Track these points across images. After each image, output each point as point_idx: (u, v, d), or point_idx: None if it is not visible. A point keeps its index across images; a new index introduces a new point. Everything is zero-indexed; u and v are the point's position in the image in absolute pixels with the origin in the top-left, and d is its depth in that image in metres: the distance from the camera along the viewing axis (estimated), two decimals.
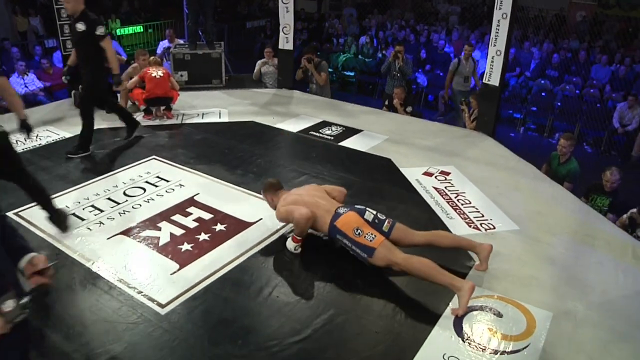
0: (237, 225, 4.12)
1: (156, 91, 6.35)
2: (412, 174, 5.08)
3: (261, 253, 3.79)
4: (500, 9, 5.84)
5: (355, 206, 3.73)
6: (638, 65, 10.58)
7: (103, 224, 4.12)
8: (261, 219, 4.21)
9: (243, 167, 5.17)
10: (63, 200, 4.42)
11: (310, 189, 3.97)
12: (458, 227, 4.16)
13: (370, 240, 3.45)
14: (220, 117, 6.57)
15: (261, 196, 4.50)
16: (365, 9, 15.63)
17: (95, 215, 4.25)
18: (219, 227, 4.10)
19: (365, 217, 3.60)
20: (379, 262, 3.45)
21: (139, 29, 13.17)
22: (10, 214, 4.18)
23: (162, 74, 6.42)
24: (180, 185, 4.77)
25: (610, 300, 3.40)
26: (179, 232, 4.02)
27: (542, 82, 10.22)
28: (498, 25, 5.89)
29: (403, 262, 3.37)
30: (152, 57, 6.57)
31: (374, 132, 6.14)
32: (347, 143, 5.85)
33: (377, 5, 15.91)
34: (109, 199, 4.51)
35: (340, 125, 6.29)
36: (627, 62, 10.41)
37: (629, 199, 5.11)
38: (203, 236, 3.97)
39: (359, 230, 3.52)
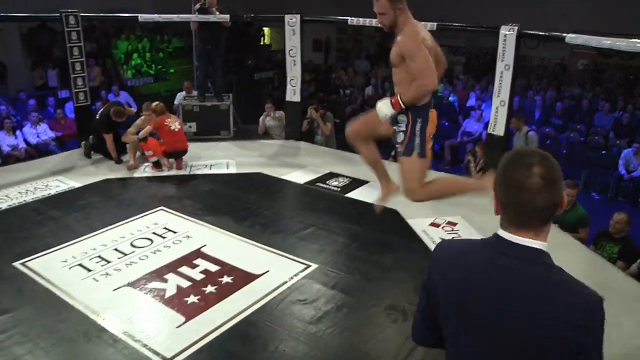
0: (243, 278, 4.10)
1: (178, 145, 6.46)
2: (419, 225, 5.08)
3: (268, 306, 3.76)
4: (503, 60, 5.95)
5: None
6: None
7: (110, 275, 4.12)
8: (268, 271, 4.19)
9: (250, 218, 5.18)
10: (70, 251, 4.44)
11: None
12: None
13: (430, 148, 3.54)
14: (228, 168, 6.63)
15: (268, 248, 4.53)
16: (372, 60, 15.92)
17: (102, 266, 4.25)
18: (226, 279, 4.08)
19: None
20: (412, 166, 3.54)
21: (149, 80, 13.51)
22: (16, 264, 4.19)
23: (179, 127, 6.52)
24: (188, 236, 4.78)
25: (629, 353, 3.33)
26: (185, 284, 4.01)
27: (547, 130, 10.30)
28: (501, 76, 5.99)
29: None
30: (158, 104, 6.56)
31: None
32: (354, 194, 5.87)
33: (383, 57, 16.21)
34: (116, 249, 4.52)
35: (346, 177, 6.32)
36: (630, 109, 10.52)
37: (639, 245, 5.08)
38: (209, 288, 3.95)
39: (432, 135, 3.58)
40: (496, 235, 1.49)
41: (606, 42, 5.04)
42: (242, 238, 4.77)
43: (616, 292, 4.01)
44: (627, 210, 6.66)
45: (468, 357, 1.49)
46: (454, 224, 5.12)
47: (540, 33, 6.14)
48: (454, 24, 7.25)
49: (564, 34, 5.51)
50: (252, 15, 8.53)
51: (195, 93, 8.67)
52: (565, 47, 9.82)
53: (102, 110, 6.84)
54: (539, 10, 11.98)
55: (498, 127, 6.07)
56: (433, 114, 3.62)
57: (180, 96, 8.85)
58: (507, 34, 5.86)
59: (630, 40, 4.76)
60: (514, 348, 1.39)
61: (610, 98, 11.39)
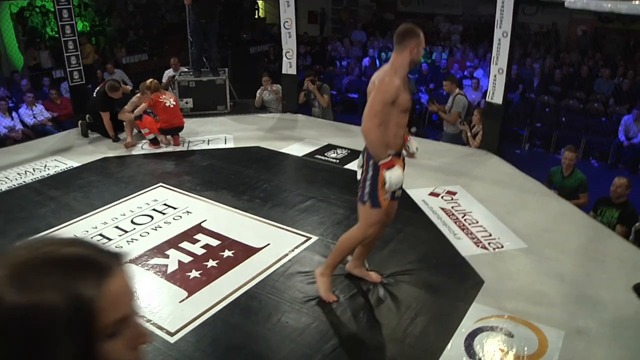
0: (244, 252, 4.12)
1: (174, 121, 6.44)
2: (418, 195, 5.08)
3: (269, 279, 3.78)
4: (500, 27, 5.88)
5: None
6: None
7: None
8: (269, 244, 4.21)
9: (249, 192, 5.19)
10: (71, 230, 4.45)
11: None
12: (466, 247, 4.15)
13: (385, 199, 3.24)
14: (225, 143, 6.62)
15: (268, 221, 4.54)
16: (367, 32, 15.76)
17: (103, 244, 4.25)
18: (227, 253, 4.11)
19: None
20: (364, 214, 3.29)
21: (144, 57, 13.36)
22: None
23: (174, 103, 6.49)
24: (188, 212, 4.79)
25: (623, 317, 3.37)
26: (187, 259, 4.03)
27: (546, 97, 10.24)
28: (499, 44, 5.93)
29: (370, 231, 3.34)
30: (152, 81, 6.52)
31: None
32: (353, 166, 5.85)
33: (379, 27, 16.06)
34: (117, 227, 4.54)
35: (345, 148, 6.31)
36: (630, 75, 10.42)
37: (639, 210, 5.10)
38: (211, 263, 3.97)
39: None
40: None
41: (607, 5, 4.97)
42: (241, 212, 4.78)
43: (614, 259, 4.04)
44: (627, 176, 6.67)
45: None
46: (454, 193, 5.12)
47: None
48: None
49: None
50: None
51: (182, 69, 8.60)
52: (564, 12, 9.73)
53: (98, 88, 6.79)
54: None
55: (497, 95, 6.03)
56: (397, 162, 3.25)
57: (167, 74, 8.77)
58: (505, 1, 5.78)
59: (633, 2, 4.69)
60: None
61: (610, 64, 11.28)
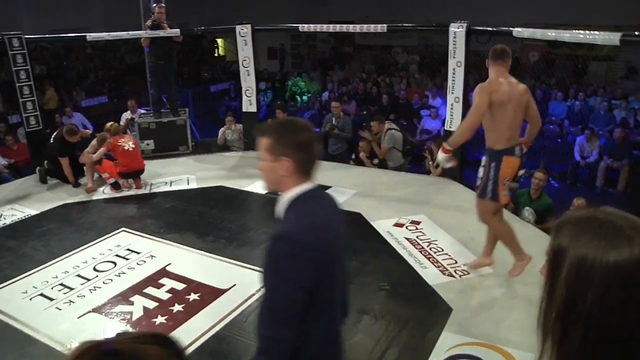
0: (211, 294, 4.06)
1: (133, 165, 6.37)
2: (383, 226, 5.11)
3: (237, 320, 3.72)
4: (454, 57, 6.04)
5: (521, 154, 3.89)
6: (591, 99, 11.01)
7: (73, 302, 4.02)
8: (235, 284, 4.16)
9: (214, 233, 5.13)
10: (30, 281, 4.32)
11: (521, 102, 3.85)
12: (432, 276, 4.17)
13: (505, 195, 3.84)
14: (188, 184, 6.56)
15: (234, 261, 4.49)
16: (327, 65, 16.00)
17: (65, 294, 4.14)
18: (193, 296, 4.03)
19: (518, 172, 3.99)
20: (485, 208, 3.93)
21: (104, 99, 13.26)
22: None
23: (133, 146, 6.43)
24: (152, 256, 4.70)
25: None
26: (152, 305, 3.94)
27: None
28: (454, 74, 6.08)
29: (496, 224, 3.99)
30: (112, 124, 6.52)
31: (342, 187, 6.17)
32: None
33: (338, 61, 16.32)
34: (78, 275, 4.42)
35: None
36: (581, 97, 10.81)
37: None
38: (177, 307, 3.89)
39: (507, 181, 3.82)
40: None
41: (551, 33, 5.18)
42: (207, 253, 4.72)
43: None
44: (585, 194, 6.83)
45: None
46: (418, 223, 5.17)
47: (489, 28, 6.25)
48: (404, 24, 7.34)
49: (511, 29, 5.62)
50: (202, 28, 8.49)
51: (139, 112, 8.56)
52: (516, 40, 10.04)
53: (55, 133, 6.68)
54: (489, 6, 12.24)
55: (454, 123, 6.14)
56: (511, 160, 3.82)
57: (125, 116, 8.71)
58: (457, 31, 5.95)
59: (573, 31, 4.90)
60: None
61: (562, 87, 11.68)
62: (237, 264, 4.50)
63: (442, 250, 4.60)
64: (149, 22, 7.72)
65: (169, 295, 4.06)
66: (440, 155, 3.96)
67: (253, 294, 3.99)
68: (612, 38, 4.41)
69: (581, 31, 4.94)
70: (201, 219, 5.49)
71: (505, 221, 4.07)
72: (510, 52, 3.91)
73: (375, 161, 7.19)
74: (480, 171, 4.00)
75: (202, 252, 4.74)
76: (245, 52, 7.52)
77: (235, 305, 3.87)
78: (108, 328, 3.69)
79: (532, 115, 3.96)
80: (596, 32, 4.68)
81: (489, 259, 4.23)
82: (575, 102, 10.65)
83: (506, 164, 3.80)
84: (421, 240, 4.81)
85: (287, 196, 1.83)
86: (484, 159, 3.97)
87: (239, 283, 4.17)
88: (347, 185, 6.27)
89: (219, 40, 18.50)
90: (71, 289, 4.22)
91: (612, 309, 0.91)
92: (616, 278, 0.91)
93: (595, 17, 10.63)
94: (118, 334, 0.92)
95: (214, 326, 3.64)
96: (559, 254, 0.99)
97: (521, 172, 3.99)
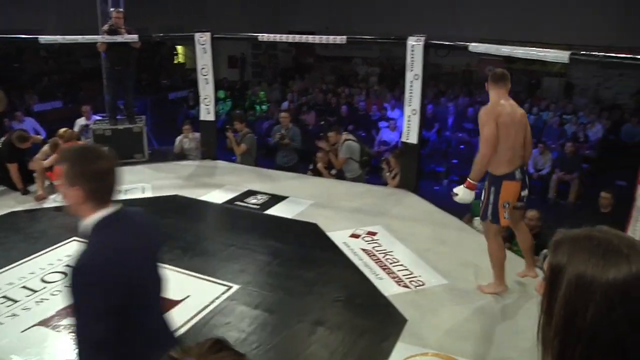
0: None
1: None
2: (339, 237, 5.10)
3: (190, 332, 3.64)
4: (412, 70, 6.11)
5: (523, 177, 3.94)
6: (544, 113, 11.34)
7: (17, 315, 3.86)
8: (189, 296, 4.07)
9: (168, 243, 4.99)
10: None
11: (522, 125, 3.94)
12: (388, 287, 4.18)
13: (504, 217, 3.89)
14: (143, 193, 6.42)
15: (188, 272, 4.41)
16: (287, 75, 16.02)
17: (8, 307, 3.97)
18: None
19: (521, 193, 3.96)
20: (487, 229, 4.05)
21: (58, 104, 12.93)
22: None
23: None
24: None
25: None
26: None
27: (460, 135, 10.69)
28: (411, 86, 6.16)
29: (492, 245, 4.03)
30: (66, 130, 6.33)
31: (299, 198, 6.17)
32: (273, 211, 5.84)
33: (298, 71, 16.36)
34: (24, 287, 4.25)
35: (265, 194, 6.28)
36: (535, 112, 11.11)
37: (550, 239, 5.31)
38: None
39: (507, 204, 3.86)
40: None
41: (505, 49, 5.30)
42: (160, 264, 4.60)
43: (530, 288, 4.18)
44: (538, 206, 6.99)
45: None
46: (374, 234, 5.18)
47: (446, 43, 6.36)
48: (363, 37, 7.41)
49: (467, 43, 5.73)
50: (161, 34, 8.36)
51: (94, 118, 8.38)
52: (474, 54, 10.30)
53: (4, 139, 6.46)
54: (450, 21, 12.48)
55: (411, 135, 6.22)
56: (511, 186, 3.87)
57: (79, 122, 8.51)
58: (415, 45, 6.03)
59: (526, 48, 5.03)
60: None
61: (516, 101, 11.95)
62: (192, 275, 4.41)
63: (398, 261, 4.62)
64: (105, 27, 7.56)
65: None
66: (465, 192, 3.96)
67: (207, 305, 3.92)
68: (561, 56, 4.54)
69: (533, 48, 5.08)
70: None
71: (503, 247, 4.13)
72: (509, 75, 3.99)
73: (333, 172, 7.21)
74: (482, 194, 4.07)
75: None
76: (204, 60, 7.44)
77: (189, 317, 3.78)
78: (54, 342, 3.56)
79: (527, 139, 4.02)
80: (547, 50, 4.82)
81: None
82: (530, 115, 10.93)
83: (505, 188, 3.86)
84: (377, 251, 4.82)
85: (87, 223, 1.84)
86: (486, 182, 4.04)
87: (194, 294, 4.08)
88: (304, 195, 6.26)
89: (179, 48, 18.32)
90: (15, 301, 4.05)
91: (615, 325, 0.94)
92: (616, 295, 0.94)
93: (548, 35, 10.96)
94: (183, 349, 0.99)
95: None
96: (557, 272, 1.02)
97: (524, 192, 4.04)
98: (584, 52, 4.45)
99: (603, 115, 11.22)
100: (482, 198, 4.03)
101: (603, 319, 0.94)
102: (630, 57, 4.11)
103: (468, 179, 3.94)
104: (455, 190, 4.04)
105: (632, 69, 11.63)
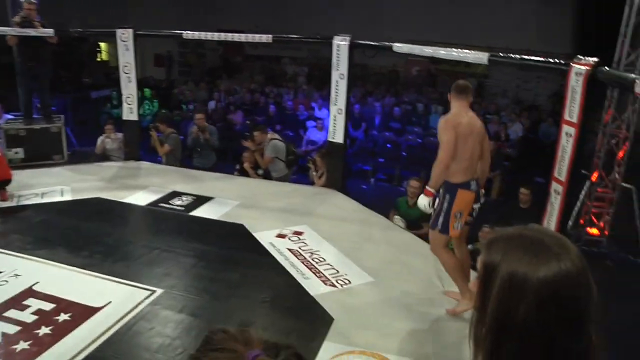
0: (83, 313, 3.79)
1: None
2: (266, 237, 5.06)
3: (112, 340, 3.51)
4: (337, 69, 6.16)
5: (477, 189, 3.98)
6: None
7: None
8: (110, 302, 3.92)
9: (89, 248, 4.82)
10: None
11: (480, 136, 3.97)
12: (314, 286, 4.19)
13: (454, 228, 3.88)
14: (62, 196, 6.14)
15: (110, 277, 4.26)
16: (215, 74, 15.79)
17: None
18: (63, 317, 3.75)
19: (473, 205, 3.97)
20: (434, 239, 3.98)
21: None
22: None
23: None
24: (16, 275, 4.32)
25: (464, 338, 3.56)
26: (13, 329, 3.60)
27: (387, 134, 10.88)
28: (337, 86, 6.20)
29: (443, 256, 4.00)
30: None
31: (225, 199, 6.09)
32: (199, 212, 5.73)
33: (226, 70, 16.17)
34: None
35: (190, 195, 6.16)
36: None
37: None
38: (44, 330, 3.60)
39: (459, 214, 3.86)
40: None
41: (428, 50, 5.42)
42: (80, 270, 4.42)
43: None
44: None
45: None
46: (300, 233, 5.18)
47: (371, 43, 6.44)
48: (289, 36, 7.40)
49: (392, 44, 5.82)
50: (80, 29, 7.98)
51: (6, 117, 7.97)
52: (401, 55, 10.56)
53: None
54: (379, 22, 12.70)
55: (337, 135, 6.27)
56: (466, 195, 3.88)
57: None
58: (341, 44, 6.08)
59: (448, 49, 5.17)
60: None
61: (442, 101, 12.33)
62: (114, 280, 4.25)
63: (324, 260, 4.64)
64: (17, 19, 7.17)
65: (34, 317, 3.74)
66: (423, 199, 3.99)
67: (129, 311, 3.79)
68: (481, 57, 4.69)
69: (455, 49, 5.22)
70: (75, 233, 5.15)
71: (452, 254, 4.10)
72: (471, 87, 4.07)
73: (260, 172, 7.17)
74: (436, 201, 4.07)
75: (75, 269, 4.42)
76: (127, 58, 7.21)
77: (110, 324, 3.64)
78: None
79: (484, 150, 4.08)
80: (467, 51, 4.96)
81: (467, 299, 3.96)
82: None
83: (460, 197, 3.88)
84: (303, 250, 4.82)
85: None
86: (441, 190, 4.05)
87: (115, 300, 3.94)
88: (230, 196, 6.18)
89: (102, 45, 17.71)
90: None
91: (545, 323, 0.96)
92: (547, 293, 0.96)
93: (475, 39, 11.36)
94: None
95: (85, 348, 3.40)
96: (490, 270, 1.02)
97: (476, 205, 4.08)
98: (502, 54, 4.60)
99: (523, 115, 11.71)
100: (436, 206, 4.04)
101: (534, 317, 0.96)
102: (544, 60, 4.29)
103: (427, 186, 3.99)
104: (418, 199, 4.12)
105: (547, 72, 12.28)
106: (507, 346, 0.98)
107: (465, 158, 3.88)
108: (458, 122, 3.89)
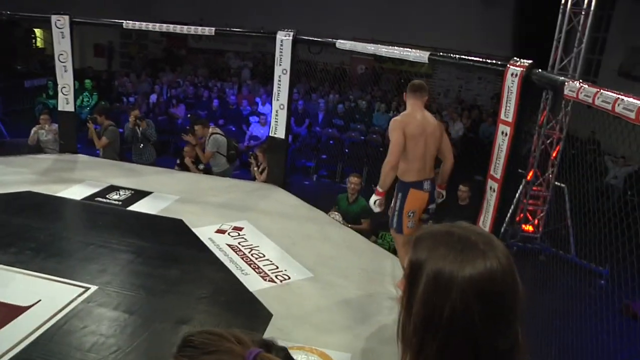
0: (9, 313, 3.62)
1: None
2: (205, 233, 5.00)
3: (41, 340, 3.38)
4: (280, 64, 6.14)
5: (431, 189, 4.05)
6: None
7: None
8: (39, 300, 3.78)
9: (18, 244, 4.60)
10: None
11: (434, 136, 4.00)
12: (253, 282, 4.17)
13: (408, 226, 3.96)
14: None
15: (40, 274, 4.10)
16: (157, 67, 15.44)
17: None
18: None
19: (429, 205, 4.05)
20: (394, 237, 4.17)
21: None
22: None
23: None
24: None
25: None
26: None
27: (330, 130, 10.94)
28: (280, 81, 6.18)
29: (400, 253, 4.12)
30: None
31: (164, 193, 5.97)
32: (137, 207, 5.59)
33: (169, 62, 15.84)
34: None
35: (128, 189, 6.00)
36: (402, 110, 11.61)
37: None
38: None
39: (412, 213, 3.95)
40: None
41: (370, 47, 5.47)
42: (7, 267, 4.22)
43: (394, 280, 4.36)
44: None
45: None
46: (240, 229, 5.14)
47: (314, 39, 6.44)
48: (232, 29, 7.32)
49: (335, 40, 5.84)
50: (9, 12, 7.50)
51: None
52: (346, 52, 10.64)
53: None
54: (325, 20, 12.75)
55: (279, 130, 6.25)
56: (418, 194, 3.93)
57: None
58: (284, 39, 6.06)
59: (390, 47, 5.23)
60: None
61: (386, 99, 12.49)
62: (45, 277, 4.09)
63: (264, 256, 4.62)
64: None
65: None
66: (372, 197, 4.05)
67: (61, 309, 3.66)
68: (421, 56, 4.77)
69: (396, 47, 5.29)
70: (2, 228, 4.91)
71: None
72: (427, 87, 4.12)
73: (201, 167, 7.07)
74: (382, 200, 4.14)
75: (1, 266, 4.23)
76: (62, 46, 6.95)
77: (39, 324, 3.50)
78: None
79: (444, 150, 4.12)
80: (408, 50, 5.03)
81: None
82: (397, 113, 11.40)
83: (412, 196, 3.94)
84: (243, 246, 4.79)
85: None
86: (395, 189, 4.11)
87: (45, 298, 3.80)
88: (169, 191, 6.06)
89: (37, 31, 16.99)
90: None
91: (471, 321, 0.94)
92: (472, 291, 0.95)
93: (421, 40, 11.60)
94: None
95: (11, 349, 3.26)
96: (416, 268, 1.00)
97: (432, 206, 4.13)
98: (441, 54, 4.70)
99: (464, 115, 11.99)
100: (392, 205, 4.11)
101: (459, 315, 0.95)
102: (482, 61, 4.40)
103: (377, 187, 4.04)
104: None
105: (487, 73, 12.63)
106: (434, 345, 0.97)
107: (416, 158, 3.92)
108: (407, 122, 3.93)
